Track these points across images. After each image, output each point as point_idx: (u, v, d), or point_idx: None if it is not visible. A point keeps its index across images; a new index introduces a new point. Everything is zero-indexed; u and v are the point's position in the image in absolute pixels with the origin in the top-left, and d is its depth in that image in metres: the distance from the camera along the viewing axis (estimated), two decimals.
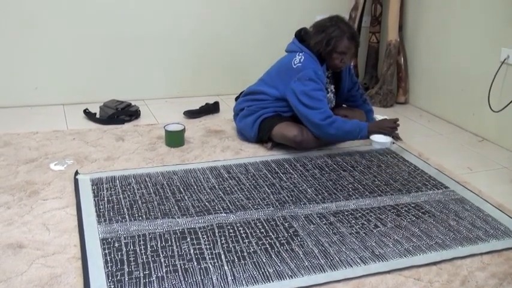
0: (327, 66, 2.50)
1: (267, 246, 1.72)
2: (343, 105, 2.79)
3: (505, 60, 2.68)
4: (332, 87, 2.65)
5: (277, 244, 1.74)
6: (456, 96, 3.09)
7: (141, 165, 2.34)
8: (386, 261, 1.67)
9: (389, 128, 2.47)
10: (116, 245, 1.69)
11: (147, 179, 2.18)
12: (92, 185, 2.10)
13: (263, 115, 2.55)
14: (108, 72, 3.26)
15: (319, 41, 2.42)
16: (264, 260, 1.64)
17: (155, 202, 1.99)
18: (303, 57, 2.45)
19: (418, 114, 3.32)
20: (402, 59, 3.46)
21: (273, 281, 1.55)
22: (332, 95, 2.66)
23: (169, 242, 1.72)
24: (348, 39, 2.41)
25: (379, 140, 2.64)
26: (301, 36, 2.53)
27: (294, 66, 2.45)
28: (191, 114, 3.06)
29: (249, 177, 2.24)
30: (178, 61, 3.39)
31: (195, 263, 1.61)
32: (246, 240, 1.75)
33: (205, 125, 2.91)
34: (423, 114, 3.31)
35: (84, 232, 1.75)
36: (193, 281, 1.53)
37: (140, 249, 1.67)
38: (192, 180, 2.18)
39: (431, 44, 3.26)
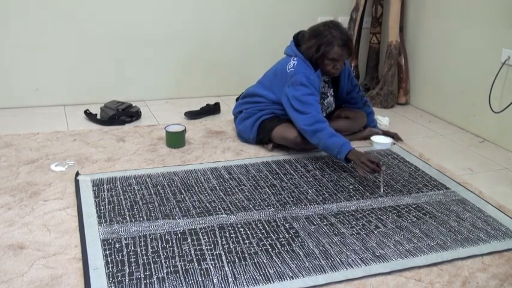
0: (322, 72, 2.49)
1: (268, 247, 1.72)
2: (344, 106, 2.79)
3: (505, 61, 2.68)
4: (331, 91, 2.65)
5: (278, 245, 1.73)
6: (457, 97, 3.09)
7: (141, 166, 2.34)
8: (387, 262, 1.67)
9: (365, 166, 2.13)
10: (117, 245, 1.69)
11: (147, 179, 2.18)
12: (93, 186, 2.10)
13: (261, 117, 2.56)
14: (109, 73, 3.26)
15: (310, 46, 2.40)
16: (265, 261, 1.64)
17: (156, 203, 1.99)
18: (296, 62, 2.44)
19: (418, 115, 3.31)
20: (403, 60, 3.47)
21: (273, 282, 1.55)
22: (332, 99, 2.66)
23: (170, 243, 1.72)
24: (339, 46, 2.36)
25: (380, 140, 2.64)
26: (298, 39, 2.52)
27: (288, 71, 2.44)
28: (192, 115, 3.06)
29: (250, 178, 2.24)
30: (179, 62, 3.39)
31: (196, 264, 1.61)
32: (247, 241, 1.75)
33: (206, 126, 2.91)
34: (424, 115, 3.31)
35: (84, 233, 1.75)
36: (194, 281, 1.53)
37: (141, 250, 1.67)
38: (193, 181, 2.18)
39: (432, 45, 3.26)
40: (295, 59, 2.46)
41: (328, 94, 2.63)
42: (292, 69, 2.43)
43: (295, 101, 2.38)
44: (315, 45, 2.39)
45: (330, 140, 2.27)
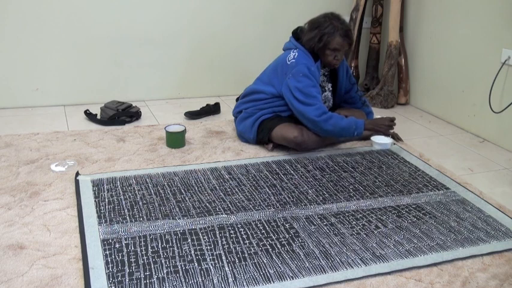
0: (322, 64, 2.50)
1: (268, 247, 1.72)
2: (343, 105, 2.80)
3: (505, 61, 2.68)
4: (329, 85, 2.66)
5: (278, 245, 1.73)
6: (457, 97, 3.09)
7: (141, 166, 2.34)
8: (387, 262, 1.67)
9: (385, 126, 2.54)
10: (117, 246, 1.69)
11: (147, 180, 2.18)
12: (93, 186, 2.10)
13: (261, 117, 2.56)
14: (109, 73, 3.26)
15: (312, 37, 2.43)
16: (265, 261, 1.64)
17: (156, 203, 1.99)
18: (296, 54, 2.46)
19: (418, 115, 3.32)
20: (403, 60, 3.47)
21: (273, 282, 1.55)
22: (329, 94, 2.66)
23: (170, 243, 1.72)
24: (341, 36, 2.41)
25: (380, 140, 2.64)
26: (297, 34, 2.54)
27: (288, 63, 2.46)
28: (192, 115, 3.06)
29: (250, 178, 2.24)
30: (179, 62, 3.39)
31: (196, 264, 1.61)
32: (247, 241, 1.75)
33: (206, 126, 2.91)
34: (424, 115, 3.31)
35: (85, 233, 1.75)
36: (194, 282, 1.53)
37: (141, 250, 1.67)
38: (193, 181, 2.18)
39: (432, 45, 3.26)
40: (295, 51, 2.48)
41: (326, 88, 2.64)
42: (293, 60, 2.44)
43: (297, 92, 2.39)
44: (316, 35, 2.41)
45: (344, 122, 2.42)
